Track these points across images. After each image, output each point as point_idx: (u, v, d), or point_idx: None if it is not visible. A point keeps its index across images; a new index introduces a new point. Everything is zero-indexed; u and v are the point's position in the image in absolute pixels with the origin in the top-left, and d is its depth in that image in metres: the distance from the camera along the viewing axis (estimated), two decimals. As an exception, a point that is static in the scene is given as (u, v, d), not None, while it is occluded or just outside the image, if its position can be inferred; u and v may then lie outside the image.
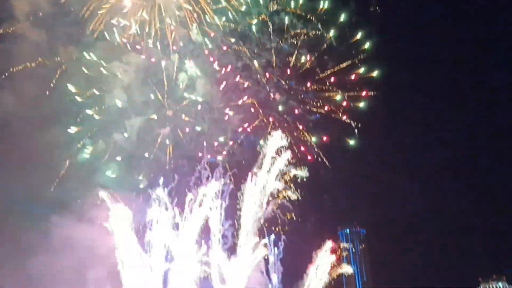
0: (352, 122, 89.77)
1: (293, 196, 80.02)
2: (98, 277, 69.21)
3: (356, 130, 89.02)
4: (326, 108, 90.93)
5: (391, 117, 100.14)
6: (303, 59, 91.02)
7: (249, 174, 77.19)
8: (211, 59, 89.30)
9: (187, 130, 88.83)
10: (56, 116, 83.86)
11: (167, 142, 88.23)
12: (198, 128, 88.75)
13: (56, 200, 77.67)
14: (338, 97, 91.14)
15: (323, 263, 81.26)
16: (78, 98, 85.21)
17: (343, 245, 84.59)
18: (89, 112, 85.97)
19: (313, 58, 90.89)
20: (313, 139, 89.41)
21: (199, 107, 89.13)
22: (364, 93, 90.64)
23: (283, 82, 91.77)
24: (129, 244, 73.28)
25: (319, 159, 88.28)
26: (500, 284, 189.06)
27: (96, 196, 76.34)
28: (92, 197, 76.55)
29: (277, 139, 79.00)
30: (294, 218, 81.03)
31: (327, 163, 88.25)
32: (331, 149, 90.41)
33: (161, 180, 78.60)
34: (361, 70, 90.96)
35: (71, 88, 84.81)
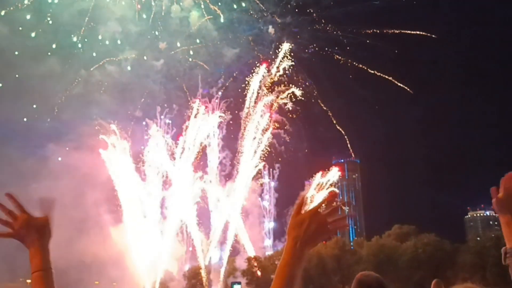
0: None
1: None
2: (96, 201, 71.51)
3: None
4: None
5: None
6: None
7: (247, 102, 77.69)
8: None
9: (181, 63, 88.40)
10: (52, 48, 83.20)
11: (161, 74, 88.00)
12: (192, 61, 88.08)
13: (53, 129, 78.58)
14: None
15: (321, 189, 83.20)
16: (72, 30, 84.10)
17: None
18: (83, 44, 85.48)
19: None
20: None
21: (193, 40, 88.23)
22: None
23: (277, 18, 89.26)
24: (126, 172, 74.80)
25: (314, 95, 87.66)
26: (487, 212, 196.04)
27: (93, 126, 77.10)
28: (89, 127, 77.12)
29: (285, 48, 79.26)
30: (286, 156, 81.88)
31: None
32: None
33: (157, 110, 79.53)
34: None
35: (65, 20, 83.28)
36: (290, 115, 79.89)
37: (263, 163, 78.88)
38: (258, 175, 79.19)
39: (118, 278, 72.22)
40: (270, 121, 77.27)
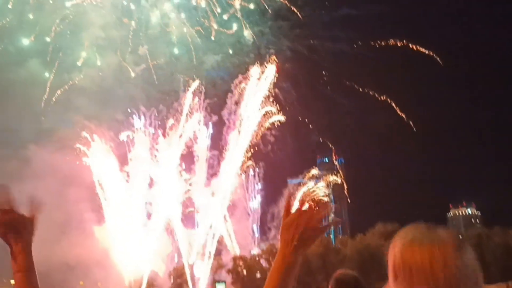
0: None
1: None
2: (80, 202, 71.40)
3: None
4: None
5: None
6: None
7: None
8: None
9: (162, 68, 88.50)
10: (33, 52, 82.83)
11: (142, 79, 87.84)
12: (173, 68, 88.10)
13: (36, 131, 78.41)
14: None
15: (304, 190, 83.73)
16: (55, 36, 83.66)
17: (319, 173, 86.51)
18: (65, 49, 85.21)
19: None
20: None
21: (174, 48, 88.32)
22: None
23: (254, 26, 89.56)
24: (110, 172, 74.39)
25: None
26: (469, 210, 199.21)
27: (75, 128, 76.68)
28: (72, 129, 76.69)
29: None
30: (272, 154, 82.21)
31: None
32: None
33: (141, 111, 79.86)
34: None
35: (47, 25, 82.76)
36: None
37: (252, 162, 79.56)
38: (246, 167, 79.53)
39: (103, 278, 71.86)
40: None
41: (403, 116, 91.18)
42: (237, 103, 78.05)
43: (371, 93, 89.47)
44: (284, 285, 2.14)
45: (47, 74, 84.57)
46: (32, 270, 2.56)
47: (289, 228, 2.19)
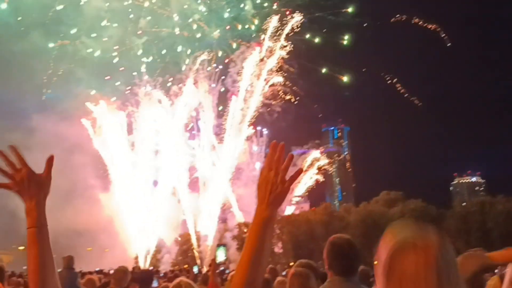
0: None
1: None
2: (87, 170, 72.55)
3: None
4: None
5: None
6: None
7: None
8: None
9: (164, 40, 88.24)
10: (35, 24, 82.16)
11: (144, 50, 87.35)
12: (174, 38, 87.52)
13: (39, 102, 79.23)
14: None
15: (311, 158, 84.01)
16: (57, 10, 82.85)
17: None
18: (67, 20, 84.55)
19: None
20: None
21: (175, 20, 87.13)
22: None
23: None
24: (115, 142, 74.84)
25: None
26: (474, 178, 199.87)
27: (80, 97, 76.76)
28: (76, 99, 76.88)
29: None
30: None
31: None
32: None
33: (145, 80, 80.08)
34: None
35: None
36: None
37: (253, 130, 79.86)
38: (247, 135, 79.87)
39: (110, 245, 73.33)
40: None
41: (405, 92, 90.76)
42: (239, 73, 77.81)
43: (375, 72, 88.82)
44: (262, 239, 2.32)
45: (49, 46, 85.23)
46: (44, 227, 2.68)
47: (262, 185, 2.37)
